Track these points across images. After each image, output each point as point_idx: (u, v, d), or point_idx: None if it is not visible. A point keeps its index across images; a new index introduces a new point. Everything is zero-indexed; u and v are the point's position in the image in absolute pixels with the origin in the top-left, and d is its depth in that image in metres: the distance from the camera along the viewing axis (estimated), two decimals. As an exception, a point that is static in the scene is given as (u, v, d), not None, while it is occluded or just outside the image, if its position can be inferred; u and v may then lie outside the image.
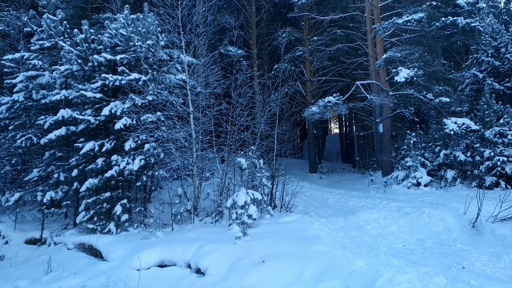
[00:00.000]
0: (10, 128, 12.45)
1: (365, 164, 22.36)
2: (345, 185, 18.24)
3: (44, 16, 13.03)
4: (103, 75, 11.13)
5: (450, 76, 16.97)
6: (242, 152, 11.53)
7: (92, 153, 10.76)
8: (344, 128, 36.09)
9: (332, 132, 51.29)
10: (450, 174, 14.16)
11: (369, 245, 7.94)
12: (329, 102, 17.03)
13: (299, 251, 7.18)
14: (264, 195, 10.79)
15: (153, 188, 12.25)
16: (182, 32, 11.52)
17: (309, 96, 22.83)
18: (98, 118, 10.96)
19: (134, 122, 10.94)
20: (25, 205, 12.31)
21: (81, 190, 10.53)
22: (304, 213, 10.67)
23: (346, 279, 5.64)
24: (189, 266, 7.98)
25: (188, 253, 8.13)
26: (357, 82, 17.90)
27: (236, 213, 9.44)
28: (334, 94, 17.16)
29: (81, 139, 11.02)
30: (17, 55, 12.81)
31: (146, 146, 10.83)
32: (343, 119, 35.65)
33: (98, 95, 11.18)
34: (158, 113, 11.21)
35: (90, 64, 11.61)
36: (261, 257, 7.12)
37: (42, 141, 11.03)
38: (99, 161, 10.69)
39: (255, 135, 11.92)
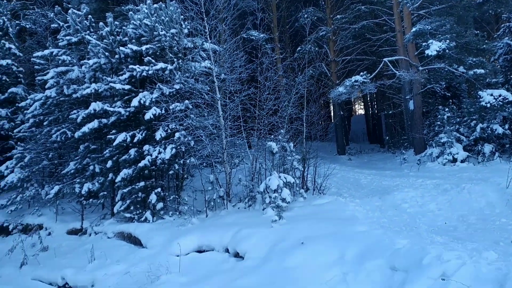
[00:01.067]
0: (45, 123, 12.77)
1: (395, 143, 21.93)
2: (376, 165, 17.95)
3: (70, 11, 13.18)
4: (130, 66, 11.22)
5: (484, 46, 16.28)
6: (271, 136, 11.46)
7: (124, 144, 10.93)
8: (370, 108, 35.42)
9: (357, 113, 50.48)
10: (487, 148, 13.70)
11: (408, 224, 7.78)
12: (356, 81, 16.68)
13: (338, 232, 7.11)
14: (296, 178, 10.73)
15: (185, 176, 12.40)
16: (206, 18, 11.44)
17: (334, 77, 22.46)
18: (128, 109, 11.08)
19: (163, 111, 11.02)
20: (64, 197, 12.66)
21: (116, 180, 10.75)
22: (337, 194, 10.57)
23: (390, 258, 5.54)
24: (227, 250, 8.06)
25: (225, 238, 8.20)
26: (385, 59, 17.42)
27: (270, 197, 9.44)
28: (361, 73, 16.78)
29: (113, 131, 11.20)
30: (46, 51, 13.04)
31: (176, 134, 10.91)
32: (368, 99, 34.96)
33: (127, 87, 11.30)
34: (186, 101, 11.25)
35: (117, 56, 11.71)
36: (299, 239, 7.10)
37: (76, 135, 11.27)
38: (132, 151, 10.86)
39: (283, 119, 11.82)
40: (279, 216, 8.37)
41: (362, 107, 44.89)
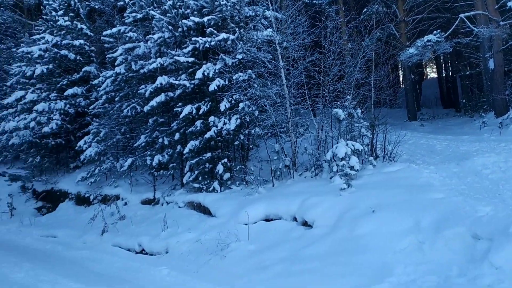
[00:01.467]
0: (116, 99, 13.38)
1: (472, 106, 20.31)
2: (451, 130, 16.80)
3: (133, -12, 13.46)
4: (193, 38, 11.27)
5: None
6: (337, 103, 11.05)
7: (190, 116, 11.14)
8: (443, 71, 32.99)
9: (428, 76, 47.41)
10: None
11: (490, 191, 7.18)
12: (428, 41, 15.53)
13: (411, 200, 6.75)
14: (365, 146, 10.32)
15: (250, 146, 12.45)
16: (266, -17, 11.11)
17: (404, 38, 21.04)
18: (193, 82, 11.22)
19: (227, 82, 11.03)
20: (137, 169, 13.34)
21: (184, 152, 11.05)
22: (410, 161, 10.01)
23: (472, 226, 5.14)
24: (294, 219, 8.01)
25: (292, 206, 8.14)
26: (460, 15, 15.95)
27: (337, 165, 9.16)
28: (434, 32, 15.54)
29: (179, 104, 11.45)
30: (114, 29, 13.50)
31: (241, 105, 10.90)
32: (442, 60, 32.51)
33: (190, 59, 11.40)
34: (249, 71, 11.15)
35: (180, 29, 11.82)
36: (370, 207, 6.84)
37: (145, 109, 11.67)
38: (198, 123, 11.05)
39: (349, 84, 11.32)
40: (348, 184, 8.12)
41: (434, 70, 42.04)
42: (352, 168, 8.85)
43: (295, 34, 11.59)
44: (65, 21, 15.94)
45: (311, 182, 9.88)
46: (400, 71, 29.56)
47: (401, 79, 30.43)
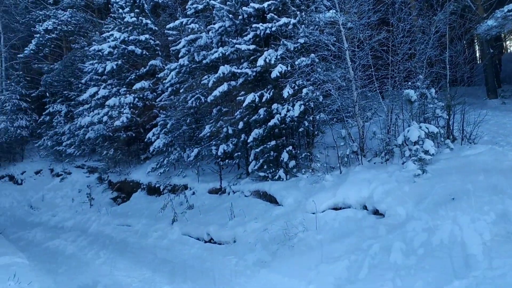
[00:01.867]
0: (181, 91, 13.63)
1: None
2: (540, 108, 15.19)
3: (194, -21, 13.53)
4: (253, 25, 11.11)
5: None
6: (408, 84, 10.34)
7: (253, 105, 11.04)
8: (527, 43, 30.03)
9: (508, 50, 43.42)
10: None
11: None
12: (509, 11, 14.03)
13: (496, 186, 6.13)
14: (440, 128, 9.57)
15: (315, 132, 12.10)
16: (328, -39, 10.61)
17: (480, 10, 19.27)
18: (254, 69, 11.08)
19: (289, 68, 10.75)
20: (203, 159, 13.55)
21: (248, 141, 10.99)
22: (492, 143, 9.11)
23: None
24: (365, 207, 7.63)
25: (362, 194, 7.76)
26: (548, -21, 14.24)
27: (410, 150, 8.59)
28: (517, -1, 14.02)
29: (242, 93, 11.39)
30: (176, 22, 13.70)
31: (304, 90, 10.58)
32: (525, 32, 29.56)
33: (252, 47, 11.26)
34: (312, 55, 10.78)
35: (240, 17, 11.72)
36: (449, 194, 6.30)
37: (208, 99, 11.75)
38: (261, 111, 10.92)
39: (421, 63, 10.53)
40: (422, 170, 7.57)
41: (515, 42, 38.38)
42: (426, 152, 8.24)
43: (360, 13, 10.98)
44: (131, 18, 16.50)
45: (381, 168, 9.35)
46: (476, 45, 27.24)
47: (478, 55, 28.08)
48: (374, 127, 10.59)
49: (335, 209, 8.11)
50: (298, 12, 11.15)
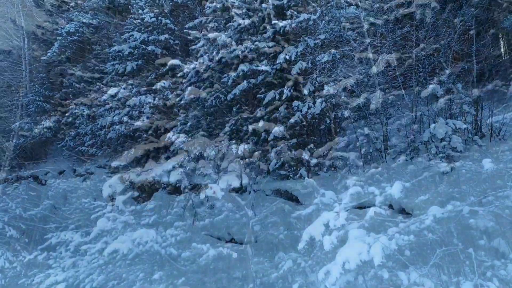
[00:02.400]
0: (200, 90, 13.58)
1: None
2: None
3: (212, -22, 13.47)
4: (273, 22, 10.98)
5: None
6: (433, 79, 10.03)
7: (273, 102, 10.90)
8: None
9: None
10: None
11: None
12: (539, 2, 13.51)
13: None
14: (467, 124, 9.26)
15: (337, 130, 11.88)
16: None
17: (507, 3, 18.68)
18: (274, 66, 10.96)
19: (310, 64, 10.58)
20: (223, 158, 13.43)
21: (269, 139, 10.85)
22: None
23: None
24: (390, 206, 7.40)
25: (387, 192, 7.48)
26: None
27: (436, 147, 8.33)
28: (547, -10, 13.48)
29: (262, 90, 11.26)
30: (195, 21, 13.71)
31: (325, 87, 10.37)
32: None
33: (271, 44, 11.15)
34: (333, 50, 10.57)
35: (259, 14, 11.60)
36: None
37: (228, 97, 11.69)
38: (281, 109, 10.78)
39: (447, 57, 10.21)
40: (451, 167, 7.29)
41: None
42: (454, 149, 7.97)
43: (381, 7, 10.70)
44: (150, 18, 16.57)
45: (406, 165, 9.09)
46: (501, 40, 26.40)
47: (503, 50, 27.22)
48: (398, 124, 10.32)
49: (360, 208, 7.86)
50: (318, 8, 10.98)
